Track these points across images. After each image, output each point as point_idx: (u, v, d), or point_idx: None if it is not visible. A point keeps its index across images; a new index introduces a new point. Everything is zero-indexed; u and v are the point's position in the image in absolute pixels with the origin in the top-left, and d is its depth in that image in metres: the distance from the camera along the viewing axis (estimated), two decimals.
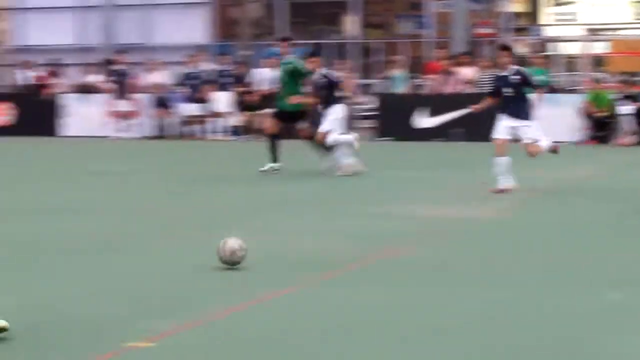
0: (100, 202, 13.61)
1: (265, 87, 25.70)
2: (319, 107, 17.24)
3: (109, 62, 29.24)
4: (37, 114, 28.26)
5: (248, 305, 7.75)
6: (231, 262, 8.59)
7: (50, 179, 17.00)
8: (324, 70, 17.16)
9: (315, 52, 18.13)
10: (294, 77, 17.23)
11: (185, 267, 9.09)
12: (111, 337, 6.92)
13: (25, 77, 30.41)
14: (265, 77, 26.24)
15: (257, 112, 25.89)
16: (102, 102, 28.09)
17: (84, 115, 27.95)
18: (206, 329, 7.10)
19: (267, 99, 25.12)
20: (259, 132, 25.61)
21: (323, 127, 16.79)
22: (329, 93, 17.06)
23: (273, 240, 10.22)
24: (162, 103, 27.53)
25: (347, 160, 16.74)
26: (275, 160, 16.93)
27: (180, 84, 27.66)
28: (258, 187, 15.32)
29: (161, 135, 27.27)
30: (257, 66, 27.58)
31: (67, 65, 30.88)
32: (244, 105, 26.76)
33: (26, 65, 30.49)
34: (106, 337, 6.92)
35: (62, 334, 6.93)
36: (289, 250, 9.74)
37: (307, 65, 17.20)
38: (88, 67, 30.16)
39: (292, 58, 17.67)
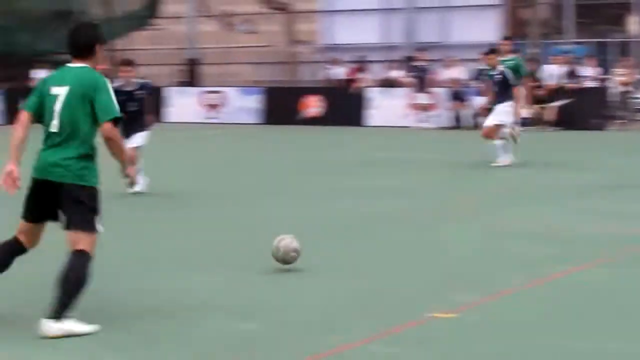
0: (413, 185, 15.32)
1: (552, 82, 27.44)
2: (493, 101, 18.16)
3: (410, 59, 30.89)
4: (345, 105, 30.33)
5: (544, 281, 8.34)
6: (283, 262, 8.63)
7: (355, 166, 18.26)
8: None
9: (493, 49, 18.83)
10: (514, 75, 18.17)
11: (484, 243, 10.13)
12: (416, 307, 7.48)
13: (334, 72, 32.72)
14: (553, 72, 27.83)
15: (546, 105, 27.44)
16: (404, 95, 29.78)
17: (387, 107, 29.72)
18: (506, 302, 7.64)
19: (555, 93, 27.05)
20: (546, 123, 27.51)
21: (492, 121, 17.74)
22: (502, 89, 17.87)
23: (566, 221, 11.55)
24: (458, 96, 28.97)
25: (505, 154, 17.74)
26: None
27: (475, 79, 28.32)
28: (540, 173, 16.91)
29: (457, 125, 28.64)
30: (546, 63, 28.86)
31: (372, 62, 32.82)
32: (534, 99, 27.28)
33: (335, 62, 32.85)
34: (411, 307, 7.51)
35: (374, 302, 7.70)
36: (586, 231, 10.76)
37: (488, 61, 18.19)
38: (391, 63, 32.13)
39: (515, 56, 18.74)
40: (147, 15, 39.31)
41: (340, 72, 32.63)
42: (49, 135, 7.04)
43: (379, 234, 10.91)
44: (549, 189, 14.73)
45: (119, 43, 39.71)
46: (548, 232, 10.79)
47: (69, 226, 6.96)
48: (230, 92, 32.77)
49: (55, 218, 7.06)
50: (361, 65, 32.39)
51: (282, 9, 37.47)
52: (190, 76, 36.05)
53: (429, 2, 33.70)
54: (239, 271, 8.85)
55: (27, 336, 6.66)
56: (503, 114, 17.75)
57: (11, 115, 30.03)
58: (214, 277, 8.62)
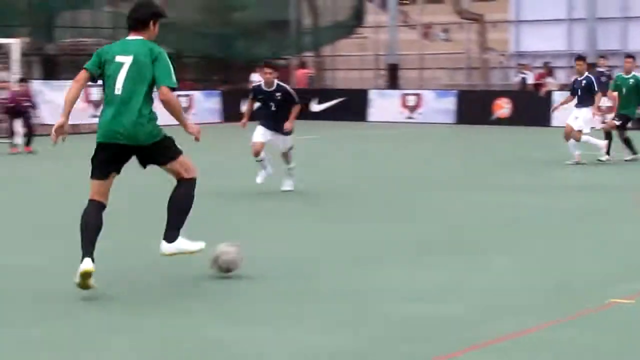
0: (602, 181, 16.13)
1: None
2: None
3: (593, 65, 31.35)
4: (532, 107, 31.55)
5: None
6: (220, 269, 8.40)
7: (540, 164, 19.13)
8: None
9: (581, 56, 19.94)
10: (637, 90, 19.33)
11: None
12: (598, 294, 7.75)
13: (523, 77, 34.47)
14: None
15: None
16: None
17: (571, 109, 31.58)
18: None
19: None
20: None
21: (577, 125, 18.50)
22: (585, 95, 18.75)
23: None
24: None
25: (577, 152, 18.57)
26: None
27: None
28: None
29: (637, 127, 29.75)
30: None
31: (557, 67, 34.44)
32: None
33: (524, 67, 34.45)
34: (594, 293, 7.80)
35: (563, 287, 8.00)
36: None
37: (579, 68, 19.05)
38: (574, 69, 34.43)
39: (637, 74, 19.86)
40: (353, 24, 41.78)
41: (528, 76, 34.25)
42: (112, 99, 7.89)
43: (567, 226, 11.48)
44: None
45: (327, 49, 43.37)
46: None
47: (161, 164, 8.05)
48: (427, 94, 34.87)
49: (118, 171, 8.03)
50: (547, 70, 33.80)
51: (476, 19, 39.34)
52: (391, 80, 38.15)
53: (610, 12, 34.94)
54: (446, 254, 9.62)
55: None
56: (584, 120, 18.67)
57: (227, 115, 33.84)
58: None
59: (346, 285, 8.23)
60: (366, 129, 31.94)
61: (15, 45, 26.48)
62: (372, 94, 36.21)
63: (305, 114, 30.87)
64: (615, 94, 20.13)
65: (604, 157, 19.22)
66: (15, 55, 26.23)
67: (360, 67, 40.93)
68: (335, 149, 24.04)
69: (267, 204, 13.60)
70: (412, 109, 34.88)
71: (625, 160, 19.38)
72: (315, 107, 34.81)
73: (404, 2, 43.66)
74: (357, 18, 41.88)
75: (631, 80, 19.94)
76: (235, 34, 39.69)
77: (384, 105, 35.27)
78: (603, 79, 30.98)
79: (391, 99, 35.57)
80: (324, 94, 36.57)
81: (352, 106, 35.26)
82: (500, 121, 32.51)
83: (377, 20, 41.28)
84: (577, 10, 35.80)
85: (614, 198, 14.14)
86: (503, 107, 33.05)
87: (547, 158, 20.40)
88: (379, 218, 12.30)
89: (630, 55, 21.31)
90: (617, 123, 19.70)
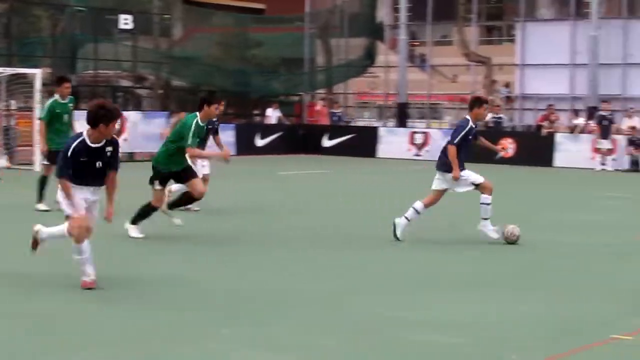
0: (612, 221, 16.13)
1: None
2: None
3: (595, 108, 32.37)
4: (535, 148, 31.92)
5: None
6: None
7: (564, 201, 19.86)
8: None
9: None
10: None
11: None
12: (599, 330, 7.83)
13: (526, 119, 34.88)
14: None
15: None
16: (588, 140, 31.38)
17: (573, 151, 31.46)
18: None
19: None
20: None
21: None
22: None
23: None
24: (636, 143, 30.45)
25: None
26: None
27: None
28: None
29: (635, 169, 30.20)
30: None
31: (560, 110, 34.27)
32: None
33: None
34: (595, 330, 7.87)
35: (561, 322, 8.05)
36: None
37: None
38: (576, 112, 33.58)
39: None
40: (365, 64, 41.95)
41: (531, 118, 34.42)
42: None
43: (577, 264, 11.60)
44: None
45: (339, 87, 43.45)
46: None
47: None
48: (434, 132, 35.30)
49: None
50: (550, 112, 33.63)
51: (483, 62, 39.57)
52: (400, 118, 38.53)
53: (611, 59, 34.97)
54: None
55: None
56: None
57: (241, 147, 34.05)
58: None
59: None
60: (375, 165, 31.94)
61: (38, 74, 26.58)
62: (382, 131, 36.40)
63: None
64: None
65: None
66: (38, 84, 26.32)
67: (371, 105, 40.92)
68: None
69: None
70: (420, 146, 35.11)
71: None
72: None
73: (415, 43, 43.72)
74: (369, 57, 41.89)
75: None
76: (252, 70, 39.59)
77: (392, 142, 35.59)
78: (605, 122, 31.17)
79: (400, 136, 35.85)
80: (335, 130, 36.70)
81: (362, 142, 35.35)
82: (503, 160, 32.37)
83: (388, 60, 41.31)
84: (580, 56, 35.82)
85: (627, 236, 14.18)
86: (507, 147, 32.86)
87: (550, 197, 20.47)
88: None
89: None
90: None
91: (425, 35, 42.13)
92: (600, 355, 7.15)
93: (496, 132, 34.77)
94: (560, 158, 32.06)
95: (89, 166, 9.25)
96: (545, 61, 36.69)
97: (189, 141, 12.51)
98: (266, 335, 7.54)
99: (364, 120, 42.09)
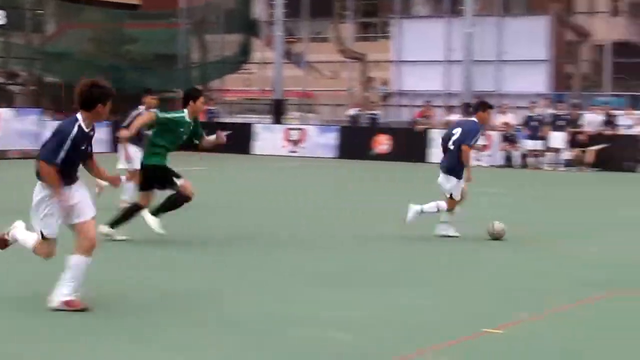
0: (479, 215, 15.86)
1: (592, 129, 29.04)
2: None
3: (468, 105, 31.11)
4: (410, 144, 32.05)
5: (594, 301, 8.63)
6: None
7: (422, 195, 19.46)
8: None
9: None
10: None
11: (543, 266, 10.51)
12: (470, 324, 7.72)
13: (402, 115, 34.84)
14: (592, 120, 29.53)
15: (586, 148, 29.02)
16: None
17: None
18: (549, 322, 7.78)
19: (594, 138, 29.21)
20: (586, 165, 28.95)
21: None
22: None
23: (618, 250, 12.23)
24: (509, 139, 30.69)
25: None
26: None
27: (524, 124, 30.42)
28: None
29: (508, 165, 30.42)
30: (586, 111, 30.45)
31: (435, 106, 34.50)
32: (575, 143, 29.35)
33: (404, 105, 35.11)
34: (467, 322, 7.81)
35: (441, 315, 8.05)
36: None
37: None
38: (451, 108, 33.59)
39: None
40: (240, 60, 41.55)
41: (408, 114, 34.40)
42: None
43: (453, 259, 11.43)
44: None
45: (214, 84, 42.85)
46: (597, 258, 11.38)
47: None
48: (310, 129, 35.06)
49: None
50: (425, 109, 33.91)
51: (358, 58, 39.52)
52: (275, 114, 38.12)
53: (485, 55, 35.30)
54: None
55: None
56: None
57: (115, 144, 33.04)
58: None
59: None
60: (251, 161, 31.53)
61: None
62: (257, 128, 36.08)
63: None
64: None
65: None
66: None
67: (246, 101, 40.54)
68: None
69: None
70: (295, 142, 34.81)
71: None
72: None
73: (291, 40, 43.45)
74: (245, 54, 41.45)
75: None
76: (125, 66, 38.77)
77: (268, 139, 35.26)
78: (533, 123, 30.96)
79: (275, 132, 35.59)
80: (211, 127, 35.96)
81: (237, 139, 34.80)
82: (379, 156, 32.45)
83: (264, 57, 40.98)
84: (454, 53, 36.01)
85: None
86: (383, 143, 33.14)
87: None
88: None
89: None
90: None
91: (301, 32, 41.68)
92: (471, 348, 7.04)
93: (372, 129, 34.88)
94: (435, 154, 31.94)
95: (81, 157, 8.05)
96: (421, 58, 36.88)
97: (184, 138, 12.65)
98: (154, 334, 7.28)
99: (239, 117, 41.52)
